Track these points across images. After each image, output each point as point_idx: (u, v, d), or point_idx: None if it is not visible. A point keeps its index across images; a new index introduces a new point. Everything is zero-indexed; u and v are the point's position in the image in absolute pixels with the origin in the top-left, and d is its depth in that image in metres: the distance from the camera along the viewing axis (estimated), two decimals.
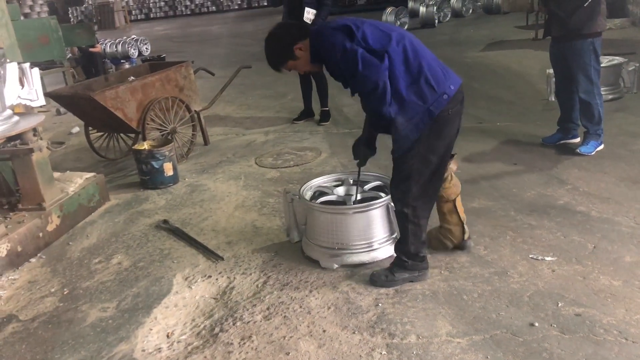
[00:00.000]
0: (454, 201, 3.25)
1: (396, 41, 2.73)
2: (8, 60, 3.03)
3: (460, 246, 3.34)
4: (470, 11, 16.00)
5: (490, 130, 5.55)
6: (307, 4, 6.13)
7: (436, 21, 14.31)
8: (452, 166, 3.17)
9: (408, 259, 3.05)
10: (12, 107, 3.14)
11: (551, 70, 5.97)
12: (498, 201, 3.98)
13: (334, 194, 3.51)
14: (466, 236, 3.32)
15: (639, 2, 10.28)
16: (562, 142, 4.85)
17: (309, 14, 6.12)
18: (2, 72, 2.95)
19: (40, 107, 3.51)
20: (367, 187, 3.55)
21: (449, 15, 15.37)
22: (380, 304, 2.92)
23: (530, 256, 3.22)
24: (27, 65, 3.11)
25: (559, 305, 2.74)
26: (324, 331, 2.77)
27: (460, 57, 9.65)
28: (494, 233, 3.53)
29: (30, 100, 3.15)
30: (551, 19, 4.59)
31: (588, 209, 3.70)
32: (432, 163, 2.84)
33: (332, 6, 6.48)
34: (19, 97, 3.12)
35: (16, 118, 3.09)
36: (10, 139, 3.22)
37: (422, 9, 14.38)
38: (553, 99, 6.05)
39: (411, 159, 2.82)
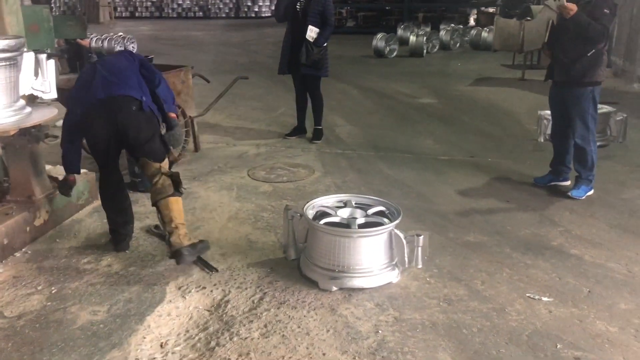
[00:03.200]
0: (156, 203, 3.56)
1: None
2: (26, 50, 2.96)
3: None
4: (458, 45, 16.33)
5: (482, 165, 5.63)
6: (311, 22, 6.15)
7: (424, 51, 14.54)
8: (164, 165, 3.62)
9: None
10: (23, 97, 3.05)
11: (543, 112, 6.14)
12: (493, 237, 4.03)
13: (338, 216, 3.50)
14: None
15: (621, 54, 10.64)
16: (553, 183, 4.95)
17: (312, 32, 6.14)
18: (19, 61, 2.87)
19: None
20: (370, 211, 3.55)
21: (437, 47, 15.63)
22: (380, 331, 2.91)
23: (527, 295, 3.25)
24: (43, 56, 3.03)
25: (558, 347, 2.78)
26: (324, 354, 2.74)
27: (450, 89, 9.81)
28: (490, 269, 3.57)
29: (43, 92, 3.06)
30: (554, 63, 4.71)
31: (581, 252, 3.77)
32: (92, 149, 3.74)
33: None
34: (32, 87, 3.03)
35: (29, 109, 3.00)
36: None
37: (412, 38, 14.60)
38: (542, 140, 6.20)
39: None
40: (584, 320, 3.01)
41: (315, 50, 6.16)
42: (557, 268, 3.56)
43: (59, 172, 4.37)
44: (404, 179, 5.27)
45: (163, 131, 3.79)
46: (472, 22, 21.98)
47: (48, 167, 4.35)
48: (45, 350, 2.76)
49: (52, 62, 3.06)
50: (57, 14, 24.90)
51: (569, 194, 4.67)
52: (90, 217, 4.34)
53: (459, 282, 3.40)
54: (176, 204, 3.56)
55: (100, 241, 3.95)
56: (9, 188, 3.99)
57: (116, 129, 3.52)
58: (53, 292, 3.29)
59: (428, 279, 3.44)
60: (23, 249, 3.78)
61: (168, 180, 3.56)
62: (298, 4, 6.28)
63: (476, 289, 3.33)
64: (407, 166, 5.65)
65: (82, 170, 4.53)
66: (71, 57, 11.64)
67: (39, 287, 3.33)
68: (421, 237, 3.31)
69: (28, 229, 3.85)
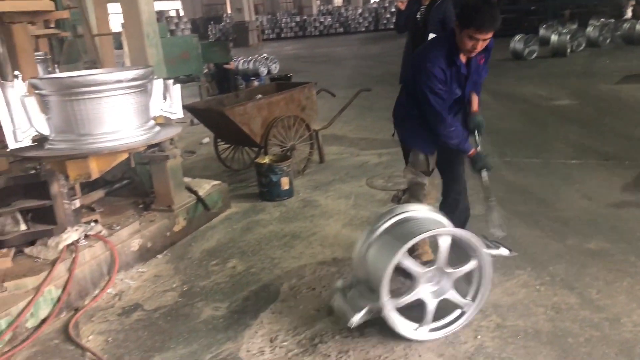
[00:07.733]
0: None
1: None
2: (155, 77, 3.43)
3: None
4: (608, 41, 15.11)
5: (618, 169, 5.25)
6: (432, 30, 6.18)
7: (568, 50, 13.68)
8: None
9: None
10: (154, 118, 3.54)
11: None
12: (617, 244, 3.78)
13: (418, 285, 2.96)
14: None
15: None
16: None
17: None
18: (149, 87, 3.34)
19: (178, 119, 3.89)
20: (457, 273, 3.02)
21: (583, 45, 14.61)
22: (479, 336, 2.91)
23: None
24: (170, 81, 3.50)
25: None
26: (420, 356, 2.81)
27: (592, 89, 9.18)
28: (609, 277, 3.37)
29: (171, 113, 3.52)
30: None
31: None
32: None
33: None
34: (161, 109, 3.50)
35: (157, 128, 3.48)
36: (150, 146, 3.62)
37: (554, 37, 13.82)
38: None
39: None
40: None
41: None
42: None
43: (196, 184, 4.90)
44: (527, 185, 5.09)
45: None
46: (628, 14, 20.17)
47: (187, 179, 4.89)
48: (173, 339, 3.16)
49: (177, 86, 3.51)
50: (213, 41, 27.18)
51: None
52: (222, 224, 4.79)
53: (572, 290, 3.26)
54: None
55: (228, 245, 4.35)
56: (154, 198, 4.56)
57: None
58: (184, 289, 3.72)
59: (538, 287, 3.34)
60: (164, 252, 4.30)
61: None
62: (418, 14, 6.35)
63: (590, 297, 3.17)
64: (533, 172, 5.44)
65: (216, 182, 5.06)
66: (220, 80, 12.74)
67: (174, 285, 3.79)
68: None
69: (168, 234, 4.38)
